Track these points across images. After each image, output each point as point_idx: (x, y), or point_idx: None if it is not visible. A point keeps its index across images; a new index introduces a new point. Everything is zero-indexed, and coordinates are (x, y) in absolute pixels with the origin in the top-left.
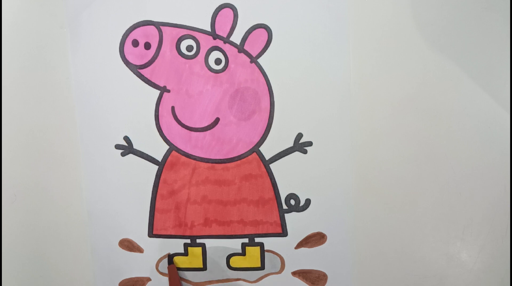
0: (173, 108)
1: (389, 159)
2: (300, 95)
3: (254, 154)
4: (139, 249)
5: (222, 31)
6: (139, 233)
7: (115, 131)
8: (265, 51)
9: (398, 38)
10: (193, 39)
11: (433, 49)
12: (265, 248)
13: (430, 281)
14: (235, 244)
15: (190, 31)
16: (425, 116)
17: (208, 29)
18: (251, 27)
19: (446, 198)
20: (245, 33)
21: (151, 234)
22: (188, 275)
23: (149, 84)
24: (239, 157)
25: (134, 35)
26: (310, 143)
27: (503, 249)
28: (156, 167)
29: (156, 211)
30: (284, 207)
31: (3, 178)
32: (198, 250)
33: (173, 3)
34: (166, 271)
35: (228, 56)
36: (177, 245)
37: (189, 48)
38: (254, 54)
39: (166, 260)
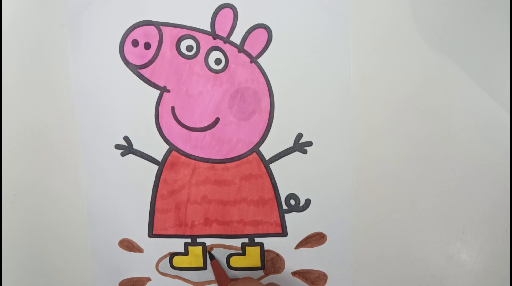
0: (173, 108)
1: (389, 159)
2: (300, 95)
3: (254, 154)
4: (139, 249)
5: (222, 31)
6: (139, 233)
7: (115, 131)
8: (265, 51)
9: (398, 38)
10: (193, 39)
11: (433, 49)
12: (265, 248)
13: (430, 281)
14: (235, 244)
15: (190, 31)
16: (425, 116)
17: (208, 29)
18: (251, 27)
19: (446, 198)
20: (245, 33)
21: (151, 234)
22: (188, 274)
23: (149, 84)
24: (239, 157)
25: (134, 35)
26: (310, 143)
27: (503, 249)
28: (156, 167)
29: (156, 211)
30: (284, 207)
31: (3, 178)
32: (199, 249)
33: (173, 3)
34: (166, 271)
35: (228, 56)
36: (177, 244)
37: (189, 48)
38: (254, 54)
39: (166, 260)
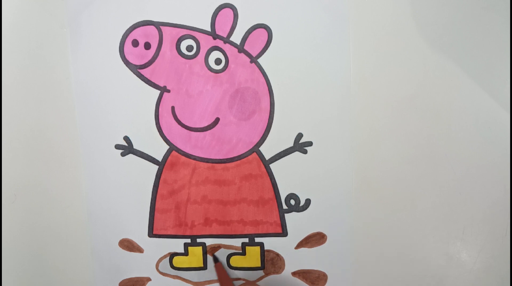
0: (173, 108)
1: (389, 159)
2: (300, 95)
3: (254, 154)
4: (139, 249)
5: (222, 31)
6: (139, 233)
7: (115, 131)
8: (265, 51)
9: (398, 38)
10: (193, 39)
11: (433, 49)
12: (265, 248)
13: (430, 281)
14: (235, 244)
15: (190, 31)
16: (425, 116)
17: (208, 29)
18: (251, 27)
19: (446, 198)
20: (245, 33)
21: (151, 234)
22: (188, 274)
23: (149, 84)
24: (239, 157)
25: (134, 35)
26: (310, 143)
27: (503, 249)
28: (156, 167)
29: (156, 211)
30: (284, 207)
31: (3, 178)
32: (198, 249)
33: (173, 3)
34: (166, 271)
35: (228, 56)
36: (177, 244)
37: (189, 48)
38: (254, 54)
39: (166, 260)
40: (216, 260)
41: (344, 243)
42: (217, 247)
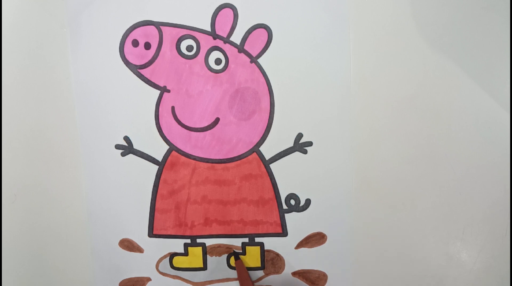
0: (173, 108)
1: (389, 159)
2: (300, 95)
3: (254, 154)
4: (139, 249)
5: (222, 31)
6: (139, 233)
7: (115, 131)
8: (265, 51)
9: (398, 38)
10: (193, 39)
11: (433, 49)
12: (265, 248)
13: (430, 281)
14: (235, 244)
15: (190, 31)
16: (425, 116)
17: (208, 29)
18: (251, 27)
19: (446, 198)
20: (245, 33)
21: (151, 234)
22: (188, 275)
23: (149, 84)
24: (239, 157)
25: (134, 35)
26: (310, 143)
27: (503, 249)
28: (156, 167)
29: (156, 211)
30: (284, 207)
31: (3, 178)
32: (198, 250)
33: (173, 3)
34: (166, 271)
35: (228, 56)
36: (177, 245)
37: (189, 48)
38: (254, 54)
39: (166, 260)
40: (237, 257)
41: (344, 243)
42: (217, 247)
